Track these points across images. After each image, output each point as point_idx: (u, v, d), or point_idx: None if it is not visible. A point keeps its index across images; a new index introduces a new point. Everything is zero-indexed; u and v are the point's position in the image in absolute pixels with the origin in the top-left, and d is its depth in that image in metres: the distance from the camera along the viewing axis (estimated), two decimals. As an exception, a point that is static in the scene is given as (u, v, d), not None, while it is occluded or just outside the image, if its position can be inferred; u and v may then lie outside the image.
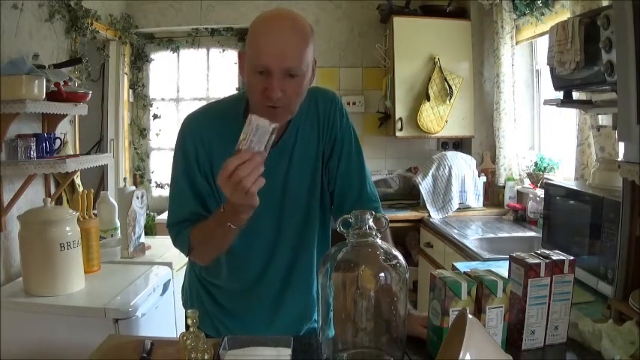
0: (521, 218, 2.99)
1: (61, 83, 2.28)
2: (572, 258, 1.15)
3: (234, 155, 1.02)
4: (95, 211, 2.49)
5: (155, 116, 3.97)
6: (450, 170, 3.25)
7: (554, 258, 1.13)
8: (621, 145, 1.44)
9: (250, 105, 1.21)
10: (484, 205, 3.36)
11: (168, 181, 1.34)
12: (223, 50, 3.93)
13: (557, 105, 2.21)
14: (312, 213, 1.33)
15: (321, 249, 1.37)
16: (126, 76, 3.67)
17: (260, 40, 1.11)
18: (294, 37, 1.12)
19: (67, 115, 2.46)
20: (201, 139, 1.26)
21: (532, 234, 2.68)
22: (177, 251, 1.31)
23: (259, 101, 1.14)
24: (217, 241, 1.21)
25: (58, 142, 2.41)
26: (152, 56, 3.94)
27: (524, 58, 3.33)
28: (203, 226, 1.22)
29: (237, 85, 3.95)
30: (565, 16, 2.36)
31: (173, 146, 1.31)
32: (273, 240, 1.31)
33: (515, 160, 3.24)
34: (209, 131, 1.26)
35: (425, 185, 3.26)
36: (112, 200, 2.62)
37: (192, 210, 1.26)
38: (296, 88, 1.15)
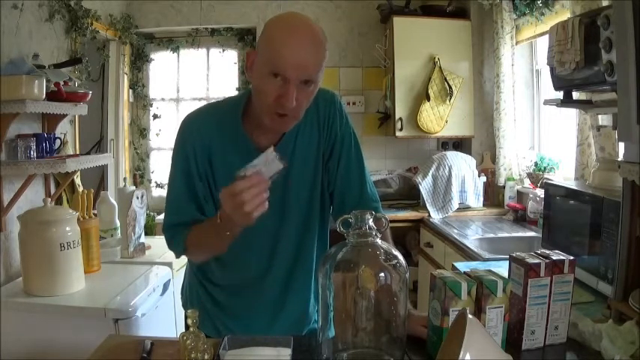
0: (521, 218, 2.99)
1: (61, 83, 2.28)
2: (572, 258, 1.15)
3: (240, 179, 1.03)
4: (95, 211, 2.49)
5: (155, 116, 3.97)
6: (450, 170, 3.25)
7: (554, 258, 1.13)
8: (621, 145, 1.44)
9: (257, 108, 1.19)
10: (484, 205, 3.36)
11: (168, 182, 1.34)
12: (223, 50, 3.93)
13: (557, 105, 2.21)
14: (312, 213, 1.33)
15: (321, 249, 1.37)
16: (126, 76, 3.67)
17: (280, 47, 1.10)
18: (315, 48, 1.12)
19: (67, 115, 2.46)
20: (200, 139, 1.25)
21: (532, 234, 2.68)
22: (177, 251, 1.31)
23: (270, 107, 1.13)
24: (212, 245, 1.23)
25: (58, 142, 2.40)
26: (152, 56, 3.94)
27: (524, 58, 3.33)
28: (199, 230, 1.23)
29: (237, 85, 3.95)
30: (565, 16, 2.36)
31: (173, 146, 1.31)
32: (274, 240, 1.31)
33: (515, 160, 3.24)
34: (208, 132, 1.26)
35: (425, 185, 3.26)
36: (112, 200, 2.63)
37: (188, 213, 1.26)
38: (308, 95, 1.16)
